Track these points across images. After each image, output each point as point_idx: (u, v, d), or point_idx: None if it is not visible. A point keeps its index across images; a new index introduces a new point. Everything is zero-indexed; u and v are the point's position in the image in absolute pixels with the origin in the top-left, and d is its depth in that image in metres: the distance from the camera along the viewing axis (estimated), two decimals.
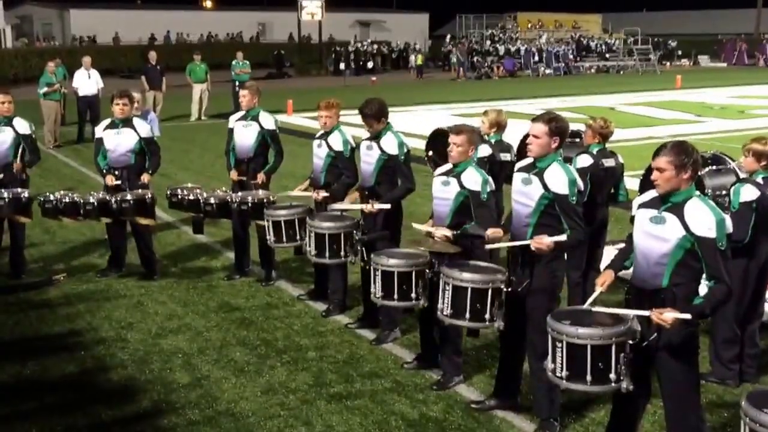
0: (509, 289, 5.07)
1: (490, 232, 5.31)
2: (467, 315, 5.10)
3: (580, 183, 4.98)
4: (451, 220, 5.57)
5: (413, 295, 5.61)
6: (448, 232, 5.48)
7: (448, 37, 52.14)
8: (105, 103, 14.44)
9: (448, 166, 5.68)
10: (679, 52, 54.29)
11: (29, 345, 6.62)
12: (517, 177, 5.06)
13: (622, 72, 46.70)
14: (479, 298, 5.06)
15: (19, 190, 7.99)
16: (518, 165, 5.19)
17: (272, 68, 42.74)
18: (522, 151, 5.70)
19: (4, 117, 8.21)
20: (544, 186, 4.87)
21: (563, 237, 4.80)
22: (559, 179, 4.84)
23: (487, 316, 5.08)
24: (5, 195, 7.85)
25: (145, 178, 8.08)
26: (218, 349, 6.50)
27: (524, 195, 4.98)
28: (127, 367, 6.15)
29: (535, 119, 4.99)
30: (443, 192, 5.61)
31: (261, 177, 8.15)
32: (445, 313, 5.20)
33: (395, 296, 5.64)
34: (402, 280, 5.61)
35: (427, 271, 5.62)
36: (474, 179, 5.47)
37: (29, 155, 8.27)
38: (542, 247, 4.80)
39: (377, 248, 6.23)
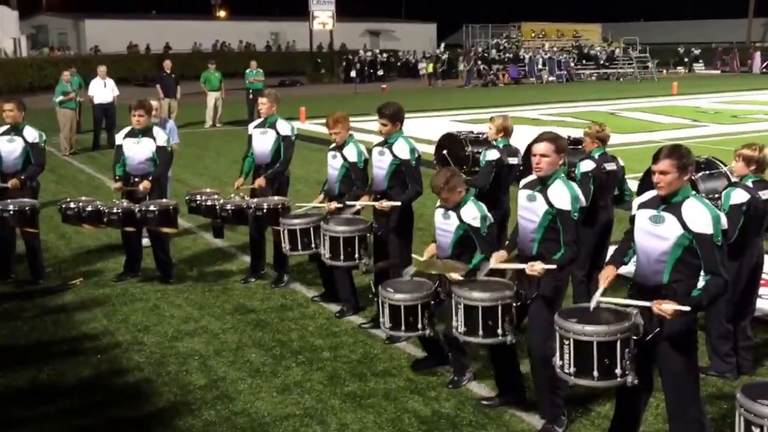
0: (518, 303, 5.21)
1: (495, 258, 5.39)
2: (480, 332, 5.24)
3: (582, 200, 5.12)
4: (452, 251, 5.70)
5: (419, 326, 5.77)
6: (458, 276, 5.54)
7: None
8: (120, 111, 14.70)
9: (450, 206, 5.76)
10: (685, 60, 54.66)
11: (46, 349, 6.74)
12: (522, 194, 5.22)
13: (621, 79, 47.16)
14: (490, 315, 5.21)
15: (26, 200, 8.09)
16: (523, 182, 5.33)
17: (286, 77, 43.04)
18: (527, 163, 5.86)
19: (13, 126, 8.32)
20: (548, 202, 5.03)
21: (554, 266, 4.94)
22: (562, 196, 5.02)
23: (500, 331, 5.23)
24: (10, 207, 7.95)
25: (142, 185, 8.13)
26: (234, 350, 6.62)
27: (529, 211, 5.13)
28: (143, 369, 6.27)
29: (538, 140, 5.14)
30: (444, 224, 5.73)
31: (260, 182, 8.28)
32: (459, 330, 5.34)
33: (402, 328, 5.81)
34: (408, 313, 5.76)
35: (433, 301, 5.77)
36: (472, 215, 5.56)
37: (32, 166, 8.32)
38: (534, 273, 4.96)
39: (389, 248, 6.36)
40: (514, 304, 5.22)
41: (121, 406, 5.64)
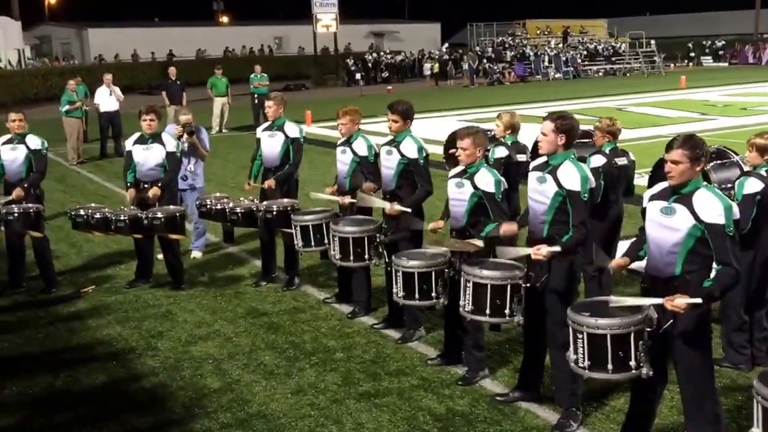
0: (528, 285, 5.21)
1: (504, 228, 5.45)
2: (488, 311, 5.26)
3: (593, 180, 5.12)
4: (467, 220, 5.74)
5: (433, 294, 5.80)
6: (478, 244, 5.60)
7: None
8: (127, 119, 14.75)
9: (460, 168, 5.85)
10: (691, 54, 54.38)
11: (60, 357, 6.77)
12: (532, 176, 5.22)
13: (628, 74, 47.04)
14: (499, 294, 5.23)
15: (30, 205, 8.14)
16: (533, 164, 5.36)
17: (291, 80, 43.12)
18: (536, 152, 5.88)
19: (18, 134, 8.38)
20: (558, 183, 5.02)
21: (559, 248, 4.95)
22: (571, 176, 5.00)
23: (507, 311, 5.24)
24: (15, 211, 8.02)
25: (151, 192, 8.16)
26: (248, 353, 6.65)
27: (539, 193, 5.13)
28: (158, 374, 6.30)
29: (545, 118, 5.17)
30: (458, 193, 5.78)
31: (270, 183, 8.30)
32: (466, 309, 5.37)
33: (416, 296, 5.83)
34: (422, 280, 5.80)
35: (446, 270, 5.77)
36: (487, 180, 5.64)
37: (34, 173, 8.33)
38: (540, 257, 4.95)
39: (399, 249, 6.39)
40: (524, 285, 5.22)
41: (137, 411, 5.66)
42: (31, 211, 8.09)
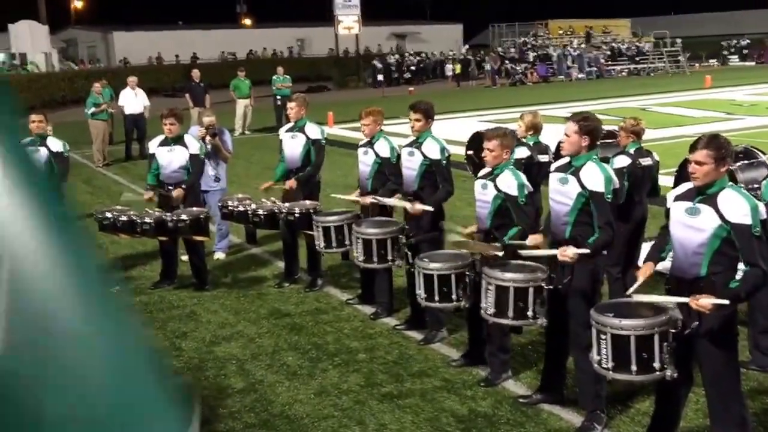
0: (551, 287, 5.19)
1: (531, 240, 5.43)
2: (510, 313, 5.26)
3: (616, 181, 5.09)
4: (491, 222, 5.73)
5: (454, 296, 5.80)
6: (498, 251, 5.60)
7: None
8: (151, 121, 14.88)
9: (487, 170, 5.84)
10: (724, 53, 53.76)
11: None
12: (554, 177, 5.19)
13: (652, 74, 46.66)
14: (521, 297, 5.22)
15: None
16: (555, 165, 5.34)
17: (313, 82, 43.22)
18: (559, 153, 5.87)
19: (38, 137, 8.45)
20: (581, 184, 4.99)
21: (587, 250, 4.91)
22: (595, 177, 4.97)
23: (530, 313, 5.23)
24: None
25: (175, 193, 8.23)
26: (271, 354, 6.68)
27: (562, 194, 5.10)
28: (183, 374, 6.35)
29: (568, 119, 5.14)
30: (482, 195, 5.78)
31: (290, 183, 8.32)
32: (489, 312, 5.35)
33: (436, 298, 5.83)
34: (442, 282, 5.81)
35: (467, 273, 5.77)
36: (509, 183, 5.62)
37: (55, 175, 8.39)
38: (566, 259, 4.92)
39: (422, 251, 6.40)
40: (546, 287, 5.20)
41: None
42: None
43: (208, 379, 6.22)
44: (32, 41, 36.56)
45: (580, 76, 45.05)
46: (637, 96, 30.50)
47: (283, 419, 5.47)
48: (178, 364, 6.53)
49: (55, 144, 8.48)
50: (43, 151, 8.40)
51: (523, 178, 5.72)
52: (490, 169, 5.81)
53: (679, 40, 50.21)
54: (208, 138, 9.23)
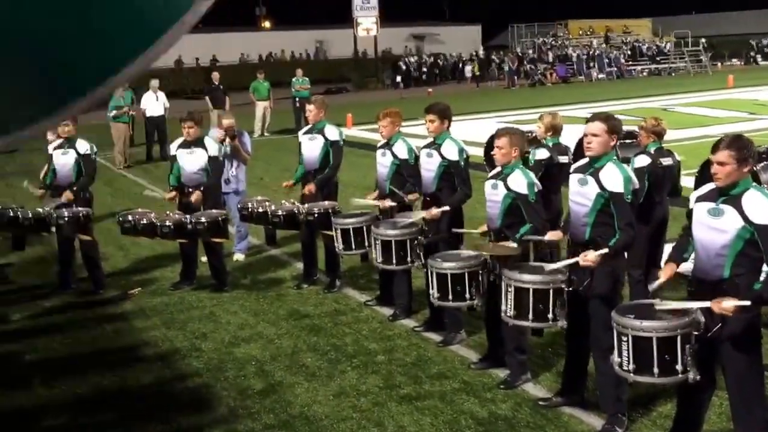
0: (570, 289, 5.16)
1: (550, 236, 5.41)
2: (530, 316, 5.22)
3: (636, 181, 5.05)
4: (501, 222, 5.72)
5: (467, 295, 5.80)
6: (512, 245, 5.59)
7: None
8: (171, 123, 14.97)
9: (497, 170, 5.83)
10: (751, 53, 53.22)
11: (108, 357, 6.88)
12: (574, 178, 5.17)
13: (673, 74, 46.31)
14: (541, 299, 5.19)
15: (79, 209, 8.29)
16: (574, 166, 5.31)
17: (331, 84, 43.30)
18: (579, 154, 5.85)
19: (67, 139, 8.54)
20: (600, 185, 4.96)
21: (605, 251, 4.87)
22: (614, 177, 4.94)
23: (550, 315, 5.20)
24: (65, 214, 8.17)
25: (193, 197, 8.23)
26: (290, 355, 6.69)
27: (581, 195, 5.07)
28: (202, 375, 6.37)
29: (591, 119, 5.12)
30: (493, 195, 5.77)
31: (309, 188, 8.32)
32: (508, 314, 5.33)
33: (450, 297, 5.82)
34: (455, 281, 5.80)
35: (481, 271, 5.76)
36: (520, 182, 5.61)
37: (83, 178, 8.52)
38: (589, 263, 4.89)
39: (439, 250, 6.40)
40: (566, 289, 5.17)
41: (183, 411, 5.74)
42: (81, 214, 8.25)
43: (228, 380, 6.24)
44: None
45: (600, 76, 44.86)
46: (658, 96, 30.30)
47: (302, 420, 5.47)
48: (199, 365, 6.55)
49: (83, 146, 8.57)
50: (71, 154, 8.48)
51: (533, 176, 5.74)
52: (499, 169, 5.80)
53: (703, 39, 49.74)
54: (227, 140, 9.27)
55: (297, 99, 23.27)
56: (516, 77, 42.75)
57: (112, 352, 7.03)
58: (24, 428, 5.65)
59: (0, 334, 7.55)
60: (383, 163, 7.58)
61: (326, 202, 8.13)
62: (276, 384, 6.11)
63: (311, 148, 8.45)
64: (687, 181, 7.91)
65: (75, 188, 8.43)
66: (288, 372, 6.33)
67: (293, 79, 24.27)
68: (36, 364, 6.82)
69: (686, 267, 4.75)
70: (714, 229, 4.24)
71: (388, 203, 7.42)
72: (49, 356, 6.99)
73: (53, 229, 8.29)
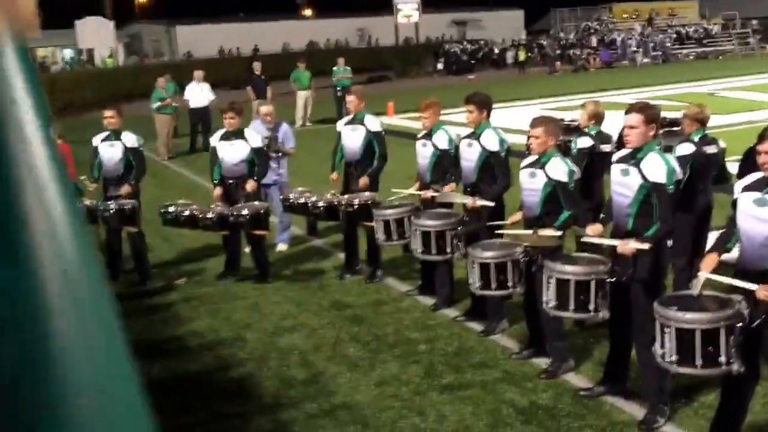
0: (613, 279, 5.13)
1: (589, 230, 5.38)
2: (571, 306, 5.21)
3: (679, 172, 5.01)
4: (541, 210, 5.70)
5: (509, 283, 5.81)
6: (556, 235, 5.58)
7: None
8: (215, 114, 15.10)
9: (533, 158, 5.81)
10: None
11: (155, 347, 7.01)
12: (616, 168, 5.13)
13: (721, 57, 45.30)
14: (583, 290, 5.18)
15: (125, 201, 8.42)
16: (616, 156, 5.27)
17: (373, 72, 43.31)
18: (622, 142, 5.80)
19: (113, 132, 8.67)
20: (642, 176, 4.92)
21: (648, 245, 4.83)
22: (657, 168, 4.89)
23: (591, 306, 5.19)
24: (111, 206, 8.32)
25: (248, 186, 8.36)
26: (332, 345, 6.76)
27: (623, 186, 5.04)
28: (246, 365, 6.47)
29: (628, 110, 5.08)
30: (531, 183, 5.75)
31: (363, 181, 8.36)
32: (550, 305, 5.32)
33: (492, 286, 5.84)
34: (498, 270, 5.82)
35: (522, 260, 5.75)
36: (559, 169, 5.60)
37: (135, 171, 8.65)
38: (626, 251, 4.85)
39: (479, 239, 6.41)
40: (608, 280, 5.14)
41: (227, 400, 5.84)
42: (127, 207, 8.39)
43: (271, 369, 6.33)
44: (98, 37, 37.46)
45: (645, 60, 44.13)
46: (705, 80, 29.71)
47: (344, 409, 5.54)
48: (243, 355, 6.66)
49: (130, 139, 8.68)
50: (118, 146, 8.61)
51: (572, 163, 5.73)
52: (536, 157, 5.78)
53: (754, 21, 48.54)
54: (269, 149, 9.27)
55: (338, 88, 23.31)
56: (559, 63, 42.33)
57: (160, 341, 7.17)
58: None
59: None
60: (423, 153, 7.59)
61: (366, 194, 8.17)
62: (318, 374, 6.19)
63: (353, 138, 8.49)
64: (734, 167, 7.76)
65: (132, 181, 8.57)
66: (330, 362, 6.40)
67: (334, 68, 24.31)
68: None
69: (731, 256, 4.70)
70: (760, 219, 4.19)
71: (430, 194, 7.45)
72: None
73: (100, 222, 8.46)
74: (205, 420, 5.57)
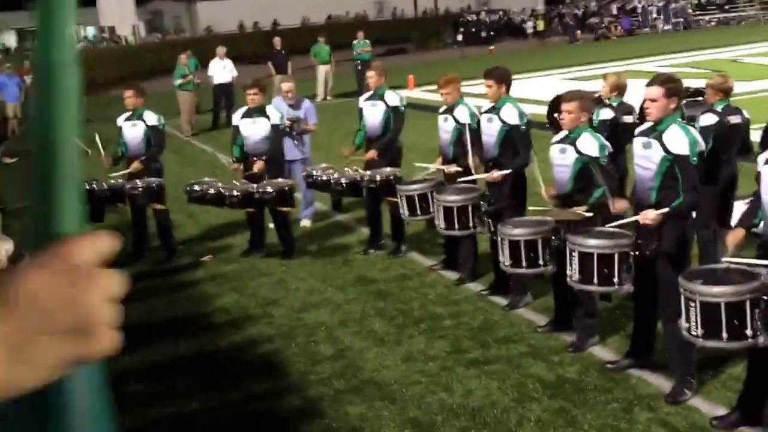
0: (637, 253, 5.13)
1: (617, 206, 5.37)
2: (595, 280, 5.22)
3: (702, 144, 4.97)
4: (572, 187, 5.68)
5: (540, 261, 5.79)
6: (583, 213, 5.57)
7: None
8: (240, 91, 15.16)
9: (563, 134, 5.79)
10: None
11: (182, 324, 7.12)
12: (638, 142, 5.11)
13: (743, 23, 44.54)
14: (606, 263, 5.18)
15: (151, 179, 8.53)
16: (638, 130, 5.25)
17: (392, 44, 43.03)
18: (644, 115, 5.77)
19: (135, 111, 8.75)
20: (665, 148, 4.90)
21: (665, 210, 4.81)
22: (679, 140, 4.87)
23: (616, 280, 5.19)
24: (139, 185, 8.43)
25: (256, 166, 8.36)
26: (358, 320, 6.81)
27: (645, 159, 5.02)
28: (274, 341, 6.55)
29: (649, 83, 5.05)
30: (561, 159, 5.73)
31: (371, 154, 8.39)
32: (573, 279, 5.34)
33: (523, 264, 5.83)
34: (529, 248, 5.80)
35: (553, 237, 5.76)
36: (591, 144, 5.57)
37: (152, 147, 8.73)
38: (648, 222, 4.84)
39: (504, 217, 6.40)
40: (632, 253, 5.14)
41: (257, 377, 5.92)
42: (154, 185, 8.49)
43: (299, 345, 6.40)
44: (120, 14, 37.55)
45: (666, 27, 43.55)
46: (727, 47, 29.25)
47: (371, 385, 5.59)
48: (270, 331, 6.73)
49: (152, 118, 8.76)
50: (140, 125, 8.70)
51: (602, 138, 5.68)
52: (566, 133, 5.75)
53: None
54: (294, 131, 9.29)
55: (359, 62, 23.26)
56: (579, 32, 41.87)
57: (187, 319, 7.26)
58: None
59: None
60: (445, 128, 7.59)
61: (387, 169, 8.19)
62: (345, 349, 6.25)
63: (373, 114, 8.50)
64: (757, 136, 7.69)
65: (144, 158, 8.66)
66: (357, 337, 6.46)
67: (354, 42, 24.24)
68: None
69: (761, 228, 4.67)
70: None
71: (453, 168, 7.45)
72: (127, 323, 7.17)
73: (127, 201, 8.56)
74: (234, 399, 5.63)
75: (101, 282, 0.74)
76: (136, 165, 8.60)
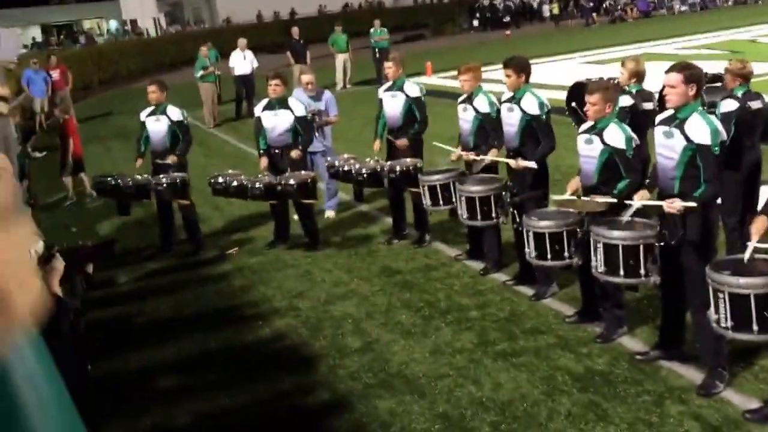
0: (662, 243, 5.10)
1: (638, 197, 5.32)
2: (621, 272, 5.20)
3: (723, 133, 4.93)
4: (598, 178, 5.65)
5: (566, 254, 5.79)
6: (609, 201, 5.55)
7: None
8: (260, 81, 15.19)
9: (589, 124, 5.75)
10: None
11: (210, 317, 7.16)
12: (659, 131, 5.08)
13: (760, 2, 43.90)
14: (632, 255, 5.16)
15: (176, 174, 8.58)
16: (659, 118, 5.20)
17: (409, 31, 42.88)
18: (664, 100, 5.71)
19: (159, 106, 8.80)
20: (686, 138, 4.87)
21: (694, 204, 4.79)
22: (700, 129, 4.83)
23: (642, 271, 5.17)
24: (163, 180, 8.50)
25: (293, 153, 8.43)
26: (384, 312, 6.82)
27: (667, 148, 4.99)
28: (302, 334, 6.56)
29: (669, 70, 5.01)
30: (587, 150, 5.69)
31: (402, 142, 8.37)
32: (599, 270, 5.32)
33: (549, 256, 5.84)
34: (554, 240, 5.81)
35: (578, 230, 5.74)
36: (617, 136, 5.53)
37: (182, 143, 8.80)
38: (673, 210, 4.82)
39: (528, 208, 6.39)
40: (657, 244, 5.12)
41: (286, 371, 5.93)
42: (178, 180, 8.55)
43: (327, 338, 6.41)
44: (141, 7, 37.70)
45: (683, 8, 43.15)
46: (745, 27, 28.87)
47: (400, 379, 5.58)
48: (297, 324, 6.75)
49: (175, 113, 8.82)
50: (163, 120, 8.75)
51: (629, 130, 5.63)
52: (592, 123, 5.72)
53: None
54: (316, 123, 9.32)
55: (377, 50, 23.27)
56: (596, 14, 41.54)
57: (215, 312, 7.31)
58: (136, 388, 5.91)
59: (110, 297, 7.93)
60: (465, 117, 7.58)
61: (408, 160, 8.18)
62: (373, 342, 6.25)
63: (393, 105, 8.50)
64: None
65: (178, 153, 8.72)
66: (384, 329, 6.47)
67: (371, 30, 24.25)
68: (144, 326, 7.16)
69: None
70: None
71: (473, 156, 7.44)
72: (156, 317, 7.32)
73: (153, 196, 8.63)
74: (264, 394, 5.64)
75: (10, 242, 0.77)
76: (174, 158, 8.67)
